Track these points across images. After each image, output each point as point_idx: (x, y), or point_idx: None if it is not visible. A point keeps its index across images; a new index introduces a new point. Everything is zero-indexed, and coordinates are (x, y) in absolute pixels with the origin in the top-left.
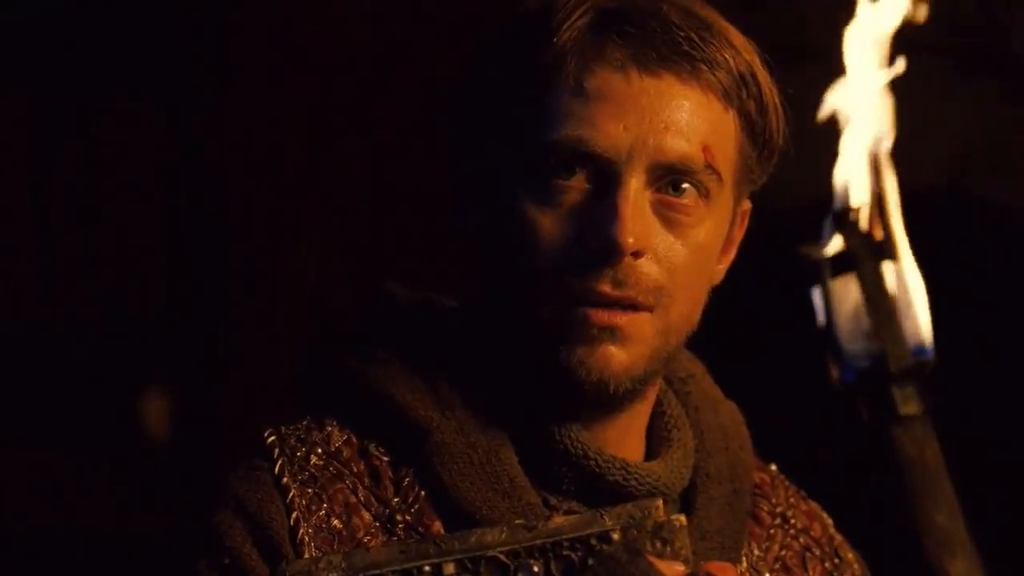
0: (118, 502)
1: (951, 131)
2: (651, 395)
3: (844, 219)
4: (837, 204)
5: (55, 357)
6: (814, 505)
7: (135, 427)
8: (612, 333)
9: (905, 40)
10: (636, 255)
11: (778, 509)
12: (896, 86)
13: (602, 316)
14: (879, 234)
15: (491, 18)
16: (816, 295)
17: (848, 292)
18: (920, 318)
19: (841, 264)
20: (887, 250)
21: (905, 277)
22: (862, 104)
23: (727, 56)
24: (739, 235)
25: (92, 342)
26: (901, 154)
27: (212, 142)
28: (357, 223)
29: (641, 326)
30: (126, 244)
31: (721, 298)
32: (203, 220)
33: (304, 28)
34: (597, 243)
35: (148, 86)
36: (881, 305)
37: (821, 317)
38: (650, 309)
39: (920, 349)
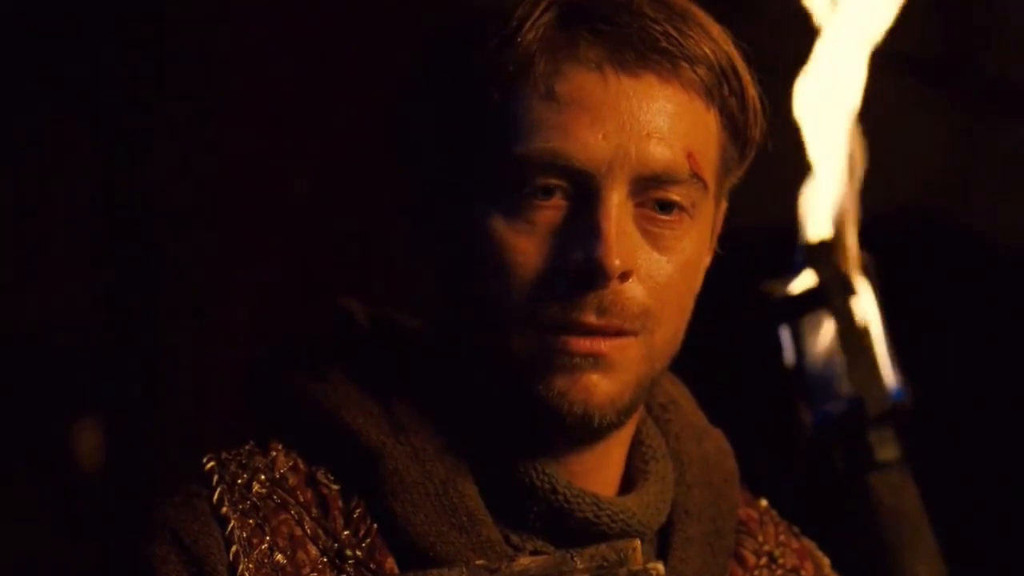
0: (48, 532)
1: (915, 150)
2: (631, 421)
3: (816, 252)
4: (808, 236)
5: None
6: (808, 543)
7: (67, 455)
8: (595, 361)
9: (872, 57)
10: (622, 278)
11: (764, 548)
12: (860, 104)
13: (583, 344)
14: (852, 267)
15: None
16: (784, 334)
17: (820, 331)
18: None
19: (811, 301)
20: (859, 285)
21: (880, 314)
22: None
23: (707, 50)
24: (716, 235)
25: (22, 368)
26: (865, 175)
27: (147, 167)
28: (291, 257)
29: (626, 351)
30: (59, 269)
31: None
32: (136, 249)
33: (244, 63)
34: (580, 267)
35: (78, 109)
36: (857, 344)
37: (790, 357)
38: (635, 334)
39: (900, 390)
